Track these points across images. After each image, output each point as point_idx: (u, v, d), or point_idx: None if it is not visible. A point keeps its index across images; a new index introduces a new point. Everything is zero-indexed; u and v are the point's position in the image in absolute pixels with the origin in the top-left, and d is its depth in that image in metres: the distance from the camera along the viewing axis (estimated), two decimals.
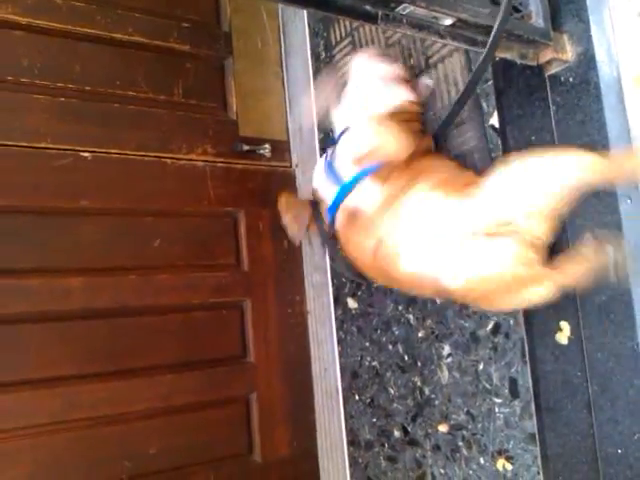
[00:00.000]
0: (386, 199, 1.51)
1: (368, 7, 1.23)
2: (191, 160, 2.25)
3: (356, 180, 1.58)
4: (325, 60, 2.33)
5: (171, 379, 2.09)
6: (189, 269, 2.20)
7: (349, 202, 1.60)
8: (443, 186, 1.44)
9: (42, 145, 1.99)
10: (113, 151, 2.11)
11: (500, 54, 1.44)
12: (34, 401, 1.88)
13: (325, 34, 2.34)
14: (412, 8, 1.21)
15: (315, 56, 2.40)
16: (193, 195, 2.24)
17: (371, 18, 1.26)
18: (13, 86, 1.97)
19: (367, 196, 1.56)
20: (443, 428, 1.85)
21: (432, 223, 1.42)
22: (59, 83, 2.06)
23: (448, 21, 1.25)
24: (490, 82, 1.68)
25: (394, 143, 1.56)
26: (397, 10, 1.22)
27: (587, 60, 1.43)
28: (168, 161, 2.20)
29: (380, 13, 1.25)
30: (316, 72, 2.40)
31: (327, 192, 1.68)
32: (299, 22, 2.48)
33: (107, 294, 2.02)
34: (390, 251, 1.48)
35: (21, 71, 1.99)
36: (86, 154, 2.06)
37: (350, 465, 2.24)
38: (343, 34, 2.24)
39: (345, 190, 1.61)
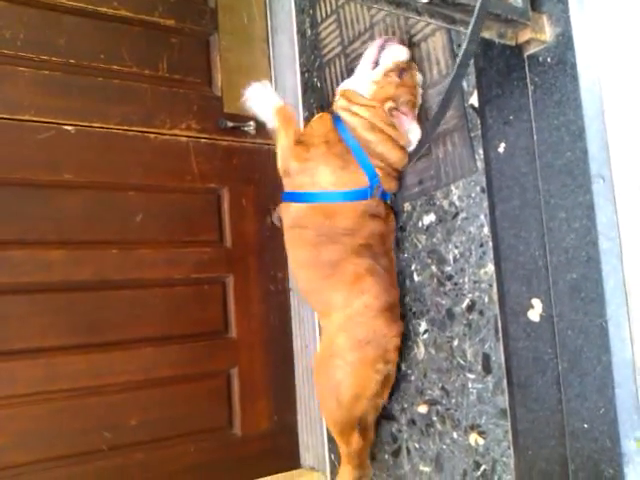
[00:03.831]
0: None
1: None
2: (175, 135, 2.25)
3: None
4: (311, 37, 2.33)
5: (152, 352, 2.12)
6: (171, 244, 2.21)
7: None
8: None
9: (25, 117, 1.99)
10: (96, 125, 2.11)
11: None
12: (15, 371, 1.89)
13: (311, 11, 2.34)
14: None
15: (301, 33, 2.40)
16: (177, 171, 2.24)
17: None
18: None
19: None
20: (422, 409, 1.87)
21: None
22: (43, 56, 2.06)
23: None
24: (470, 62, 1.69)
25: None
26: None
27: (565, 41, 1.45)
28: (152, 136, 2.20)
29: None
30: (302, 49, 2.40)
31: None
32: None
33: (89, 267, 2.03)
34: None
35: (4, 43, 1.98)
36: (69, 127, 2.06)
37: (328, 439, 2.27)
38: (329, 11, 2.24)
39: None
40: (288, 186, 1.90)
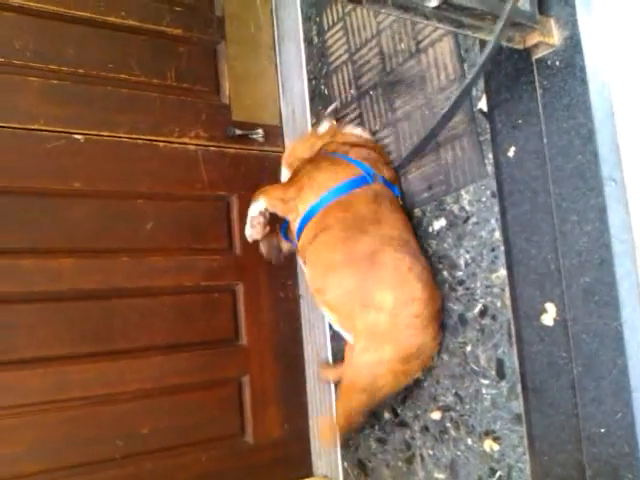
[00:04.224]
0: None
1: None
2: (184, 144, 2.26)
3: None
4: (318, 45, 2.34)
5: (162, 361, 2.11)
6: (181, 252, 2.22)
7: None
8: None
9: (35, 127, 2.00)
10: (105, 134, 2.12)
11: (487, 37, 1.45)
12: (26, 381, 1.90)
13: (318, 19, 2.34)
14: None
15: (308, 41, 2.41)
16: (186, 179, 2.25)
17: None
18: (5, 68, 1.98)
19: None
20: (436, 415, 1.86)
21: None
22: (52, 65, 2.07)
23: (433, 3, 1.25)
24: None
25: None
26: None
27: (573, 44, 1.44)
28: (160, 144, 2.21)
29: None
30: (309, 57, 2.40)
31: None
32: (292, 7, 2.48)
33: (98, 276, 2.04)
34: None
35: (13, 53, 2.00)
36: (79, 136, 2.07)
37: (341, 447, 2.26)
38: (335, 19, 2.25)
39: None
40: (299, 214, 1.92)
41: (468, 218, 1.75)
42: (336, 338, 2.26)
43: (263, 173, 2.40)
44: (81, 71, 2.12)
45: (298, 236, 1.92)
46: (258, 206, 1.96)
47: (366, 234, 1.76)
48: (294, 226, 1.94)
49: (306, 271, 1.94)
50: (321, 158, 1.96)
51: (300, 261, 2.08)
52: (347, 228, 1.79)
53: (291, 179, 1.99)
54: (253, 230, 1.98)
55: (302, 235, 1.90)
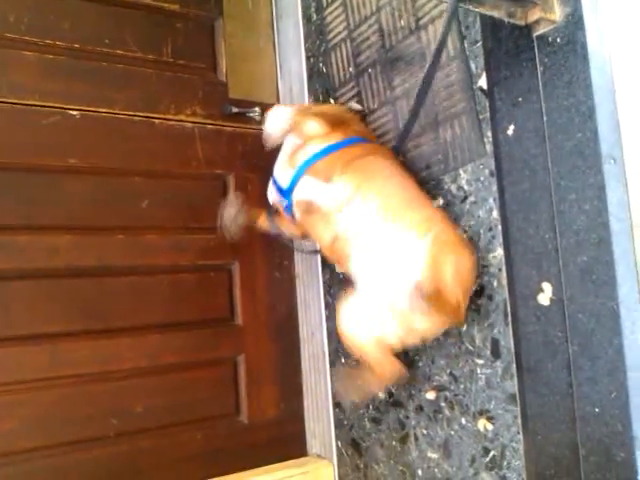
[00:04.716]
0: (339, 200, 1.67)
1: None
2: (180, 121, 2.24)
3: (296, 179, 1.81)
4: (316, 22, 2.31)
5: (158, 339, 2.11)
6: (177, 231, 2.20)
7: (298, 197, 1.81)
8: (393, 213, 1.60)
9: (30, 102, 1.98)
10: (102, 110, 2.10)
11: (488, 12, 1.43)
12: (20, 357, 1.89)
13: None
14: None
15: (306, 18, 2.38)
16: (182, 156, 2.23)
17: None
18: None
19: (313, 190, 1.76)
20: (430, 395, 1.86)
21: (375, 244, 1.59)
22: (47, 40, 2.04)
23: None
24: (479, 43, 1.67)
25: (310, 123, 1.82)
26: None
27: (575, 20, 1.43)
28: (157, 121, 2.19)
29: None
30: (307, 34, 2.38)
31: (279, 200, 1.93)
32: None
33: (94, 253, 2.03)
34: (342, 249, 1.67)
35: (8, 27, 1.97)
36: (74, 112, 2.05)
37: (335, 427, 2.26)
38: None
39: (289, 191, 1.84)
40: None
41: (466, 197, 1.74)
42: (331, 318, 2.26)
43: (260, 152, 2.37)
44: (77, 46, 2.09)
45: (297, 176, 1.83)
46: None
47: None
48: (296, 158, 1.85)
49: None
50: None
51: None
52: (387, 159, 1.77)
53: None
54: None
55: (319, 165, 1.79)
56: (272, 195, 1.99)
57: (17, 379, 1.89)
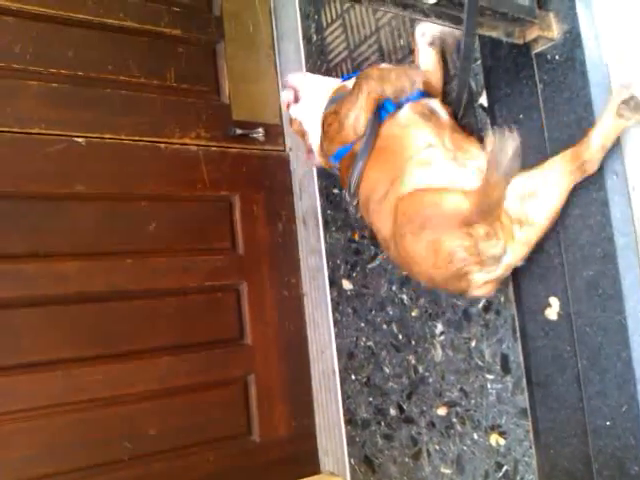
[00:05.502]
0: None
1: None
2: (185, 144, 2.26)
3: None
4: (317, 42, 2.34)
5: (168, 361, 2.12)
6: (185, 253, 2.22)
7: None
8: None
9: (35, 131, 2.00)
10: (107, 136, 2.12)
11: (486, 32, 1.45)
12: (32, 384, 1.90)
13: (316, 17, 2.34)
14: None
15: (307, 39, 2.40)
16: (188, 179, 2.25)
17: None
18: (5, 72, 1.98)
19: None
20: (442, 411, 1.87)
21: None
22: (52, 69, 2.07)
23: None
24: (479, 61, 1.69)
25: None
26: None
27: (573, 38, 1.44)
28: (162, 145, 2.21)
29: None
30: (308, 54, 2.40)
31: None
32: (290, 5, 2.47)
33: (103, 278, 2.04)
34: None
35: (13, 57, 2.00)
36: (80, 139, 2.07)
37: (348, 444, 2.26)
38: (334, 16, 2.24)
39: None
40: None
41: None
42: (340, 335, 2.27)
43: (264, 172, 2.40)
44: (81, 73, 2.11)
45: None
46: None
47: None
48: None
49: None
50: None
51: None
52: None
53: None
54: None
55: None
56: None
57: (31, 406, 1.89)
